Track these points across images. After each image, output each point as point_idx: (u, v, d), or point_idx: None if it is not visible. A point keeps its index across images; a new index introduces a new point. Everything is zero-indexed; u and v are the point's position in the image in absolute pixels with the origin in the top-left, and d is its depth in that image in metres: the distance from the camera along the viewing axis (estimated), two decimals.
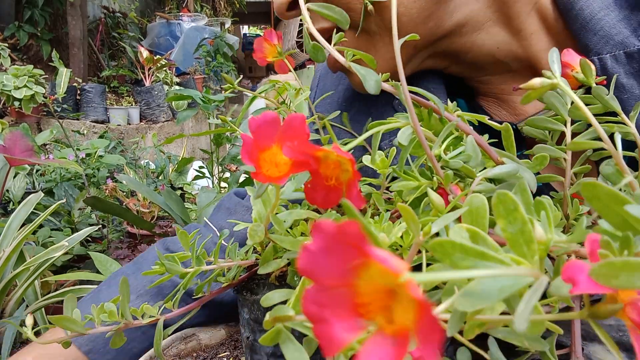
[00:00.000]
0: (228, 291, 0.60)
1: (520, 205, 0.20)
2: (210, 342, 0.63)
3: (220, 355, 0.60)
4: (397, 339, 0.16)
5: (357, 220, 0.17)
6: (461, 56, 0.58)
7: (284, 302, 0.32)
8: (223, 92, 0.56)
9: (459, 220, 0.25)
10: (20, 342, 0.91)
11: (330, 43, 0.54)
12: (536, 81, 0.31)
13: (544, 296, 0.24)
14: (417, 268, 0.28)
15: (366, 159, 0.38)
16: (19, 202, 1.14)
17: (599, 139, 0.32)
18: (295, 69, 0.54)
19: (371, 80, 0.31)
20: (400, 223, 0.31)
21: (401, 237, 0.30)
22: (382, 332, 0.16)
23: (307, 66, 6.60)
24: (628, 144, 0.34)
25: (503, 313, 0.23)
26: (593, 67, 0.37)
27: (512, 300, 0.20)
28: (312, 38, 0.35)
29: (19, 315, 0.89)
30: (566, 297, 0.24)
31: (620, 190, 0.32)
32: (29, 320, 0.42)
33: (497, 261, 0.18)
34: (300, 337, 0.26)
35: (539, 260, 0.20)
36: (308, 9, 0.34)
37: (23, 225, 1.02)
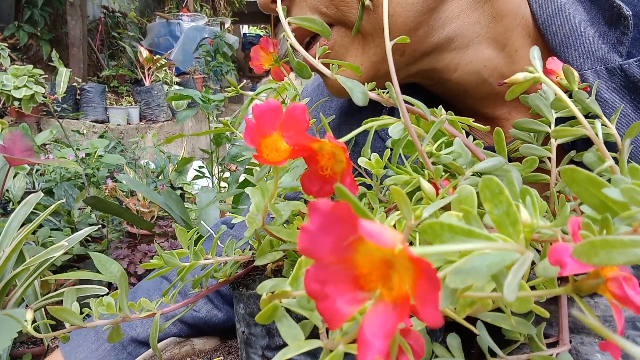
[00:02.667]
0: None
1: (505, 189, 0.21)
2: (204, 347, 0.63)
3: (215, 359, 0.61)
4: (397, 304, 0.17)
5: (349, 200, 0.17)
6: (447, 75, 0.58)
7: None
8: (225, 93, 0.57)
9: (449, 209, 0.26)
10: (20, 342, 0.91)
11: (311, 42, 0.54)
12: (519, 75, 0.32)
13: (533, 288, 0.24)
14: None
15: (361, 161, 0.39)
16: (19, 202, 1.15)
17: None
18: (293, 70, 0.54)
19: (358, 93, 0.31)
20: (393, 218, 0.32)
21: (394, 226, 0.31)
22: (383, 300, 0.17)
23: None
24: (609, 146, 0.35)
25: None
26: (576, 74, 0.38)
27: (500, 277, 0.21)
28: (297, 55, 0.36)
29: (20, 310, 0.89)
30: (553, 279, 0.25)
31: (601, 175, 0.33)
32: (29, 315, 0.42)
33: (484, 238, 0.19)
34: (296, 320, 0.27)
35: (524, 240, 0.21)
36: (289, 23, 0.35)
37: (23, 225, 1.02)
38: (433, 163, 0.34)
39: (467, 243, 0.18)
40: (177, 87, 5.24)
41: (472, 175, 0.33)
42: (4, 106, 3.49)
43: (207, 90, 1.80)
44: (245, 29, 12.60)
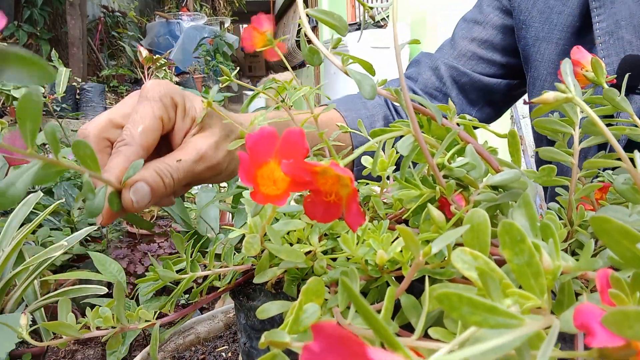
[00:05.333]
0: None
1: (527, 236, 0.19)
2: (209, 335, 0.63)
3: (219, 349, 0.60)
4: None
5: (374, 323, 0.15)
6: None
7: (281, 315, 0.31)
8: (220, 84, 0.53)
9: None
10: (19, 342, 0.91)
11: None
12: (549, 95, 0.29)
13: None
14: (420, 280, 0.28)
15: (365, 160, 0.37)
16: (18, 202, 1.14)
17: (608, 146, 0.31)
18: (294, 68, 0.53)
19: (367, 86, 0.29)
20: (397, 234, 0.31)
21: (400, 251, 0.30)
22: None
23: (307, 65, 6.60)
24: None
25: None
26: (604, 64, 0.35)
27: (523, 350, 0.19)
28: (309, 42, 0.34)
29: (18, 314, 0.89)
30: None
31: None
32: (23, 320, 0.41)
33: (509, 316, 0.17)
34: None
35: (547, 296, 0.19)
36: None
37: (22, 224, 1.02)
38: (444, 176, 0.31)
39: (490, 322, 0.17)
40: None
41: (487, 188, 0.31)
42: (3, 106, 3.48)
43: (207, 89, 1.80)
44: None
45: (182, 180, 0.41)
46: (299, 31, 7.37)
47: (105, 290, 1.06)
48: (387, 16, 4.68)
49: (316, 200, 0.27)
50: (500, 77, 0.86)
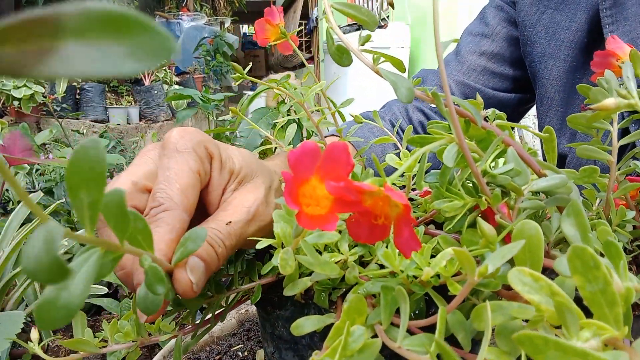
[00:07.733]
0: None
1: (602, 263, 0.18)
2: (222, 333, 0.63)
3: (234, 347, 0.59)
4: None
5: None
6: None
7: (314, 331, 0.30)
8: (233, 83, 0.52)
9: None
10: (18, 346, 0.90)
11: None
12: (610, 101, 0.27)
13: None
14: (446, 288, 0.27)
15: (390, 159, 0.35)
16: (19, 202, 1.14)
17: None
18: (293, 69, 0.52)
19: (403, 88, 0.27)
20: (435, 243, 0.29)
21: (445, 267, 0.27)
22: None
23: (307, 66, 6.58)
24: None
25: None
26: None
27: None
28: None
29: (17, 312, 0.88)
30: None
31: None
32: (35, 335, 0.39)
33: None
34: None
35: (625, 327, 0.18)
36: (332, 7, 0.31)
37: (23, 224, 1.01)
38: (487, 183, 0.29)
39: None
40: (176, 86, 5.22)
41: (532, 195, 0.29)
42: (3, 106, 3.48)
43: (207, 89, 1.79)
44: (245, 28, 12.58)
45: (235, 247, 0.34)
46: (299, 32, 7.34)
47: (105, 290, 1.06)
48: (388, 16, 4.67)
49: (361, 221, 0.25)
50: (512, 92, 0.83)
